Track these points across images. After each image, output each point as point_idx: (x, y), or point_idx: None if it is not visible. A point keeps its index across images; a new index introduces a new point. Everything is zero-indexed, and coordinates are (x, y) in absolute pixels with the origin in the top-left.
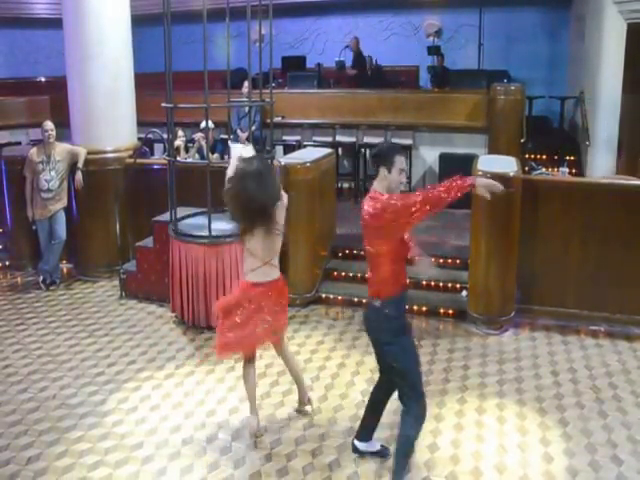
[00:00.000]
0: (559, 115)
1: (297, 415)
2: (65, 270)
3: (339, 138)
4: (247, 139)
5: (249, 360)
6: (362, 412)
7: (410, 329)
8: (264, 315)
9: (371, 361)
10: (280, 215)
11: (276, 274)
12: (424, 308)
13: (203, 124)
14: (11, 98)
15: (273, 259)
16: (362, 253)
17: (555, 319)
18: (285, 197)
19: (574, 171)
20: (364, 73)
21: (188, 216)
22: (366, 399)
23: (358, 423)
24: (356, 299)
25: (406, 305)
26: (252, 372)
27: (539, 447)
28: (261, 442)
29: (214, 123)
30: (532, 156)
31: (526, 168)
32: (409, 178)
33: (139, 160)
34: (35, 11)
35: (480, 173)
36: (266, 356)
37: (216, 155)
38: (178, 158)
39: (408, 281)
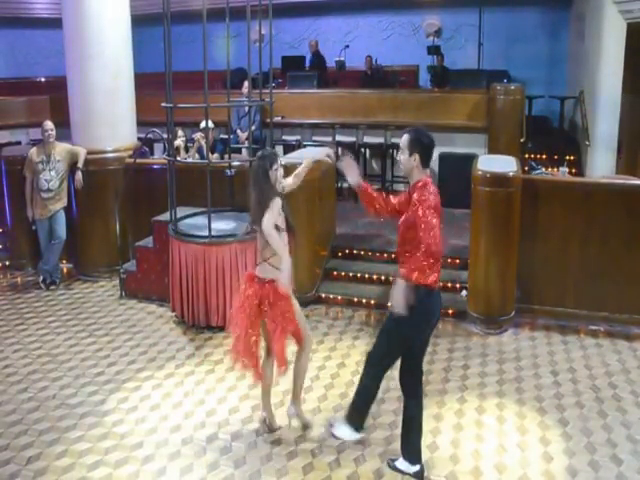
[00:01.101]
0: (559, 115)
1: (297, 414)
2: (65, 270)
3: (339, 138)
4: (247, 139)
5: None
6: None
7: None
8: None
9: None
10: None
11: (270, 275)
12: None
13: (203, 124)
14: (11, 98)
15: (270, 259)
16: (362, 253)
17: (555, 319)
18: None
19: (574, 171)
20: (323, 73)
21: (188, 216)
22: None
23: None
24: (356, 299)
25: None
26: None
27: (539, 446)
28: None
29: (214, 123)
30: (532, 156)
31: (526, 168)
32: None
33: (139, 160)
34: (35, 11)
35: (480, 172)
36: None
37: (216, 155)
38: (178, 158)
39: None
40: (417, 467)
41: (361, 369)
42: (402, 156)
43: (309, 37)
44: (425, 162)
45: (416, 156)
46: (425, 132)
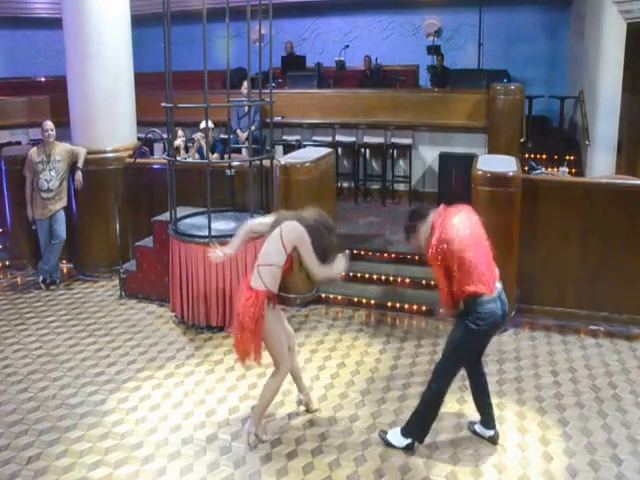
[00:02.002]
0: (559, 115)
1: (297, 414)
2: (65, 270)
3: (339, 138)
4: (247, 138)
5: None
6: (361, 412)
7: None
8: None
9: (371, 361)
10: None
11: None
12: (424, 308)
13: (203, 124)
14: (11, 98)
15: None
16: (362, 253)
17: (555, 319)
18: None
19: (574, 171)
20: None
21: (188, 216)
22: (366, 399)
23: (357, 423)
24: (356, 299)
25: None
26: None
27: (539, 446)
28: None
29: (214, 123)
30: (532, 156)
31: (526, 168)
32: (409, 177)
33: (139, 160)
34: (35, 11)
35: (480, 172)
36: (266, 355)
37: (216, 155)
38: (178, 158)
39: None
40: (408, 441)
41: (361, 369)
42: (421, 237)
43: (309, 37)
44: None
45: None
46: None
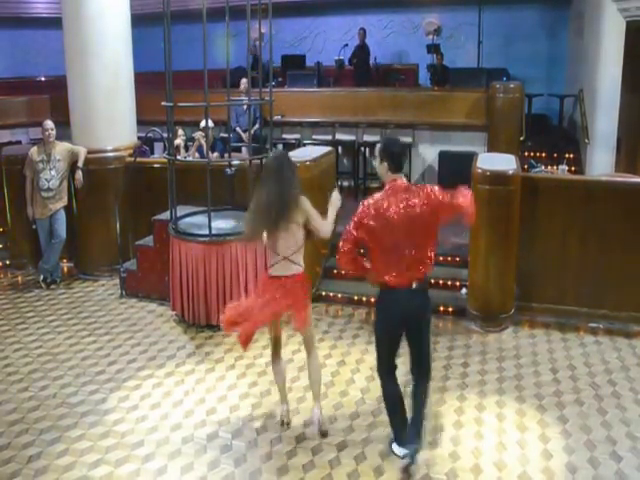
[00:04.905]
0: (558, 113)
1: (297, 414)
2: (65, 269)
3: (339, 136)
4: (245, 131)
5: (275, 354)
6: (362, 409)
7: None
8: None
9: (371, 359)
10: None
11: (296, 269)
12: None
13: (203, 123)
14: (11, 98)
15: (293, 255)
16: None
17: (554, 316)
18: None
19: (573, 169)
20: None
21: (188, 215)
22: (366, 397)
23: (357, 421)
24: (356, 297)
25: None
26: (279, 367)
27: (538, 444)
28: (289, 429)
29: (214, 122)
30: (531, 154)
31: (525, 166)
32: (409, 176)
33: (139, 159)
34: (35, 11)
35: (479, 170)
36: (266, 354)
37: (216, 154)
38: (178, 157)
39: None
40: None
41: (361, 367)
42: (375, 162)
43: (309, 36)
44: (395, 168)
45: (385, 164)
46: (395, 141)
